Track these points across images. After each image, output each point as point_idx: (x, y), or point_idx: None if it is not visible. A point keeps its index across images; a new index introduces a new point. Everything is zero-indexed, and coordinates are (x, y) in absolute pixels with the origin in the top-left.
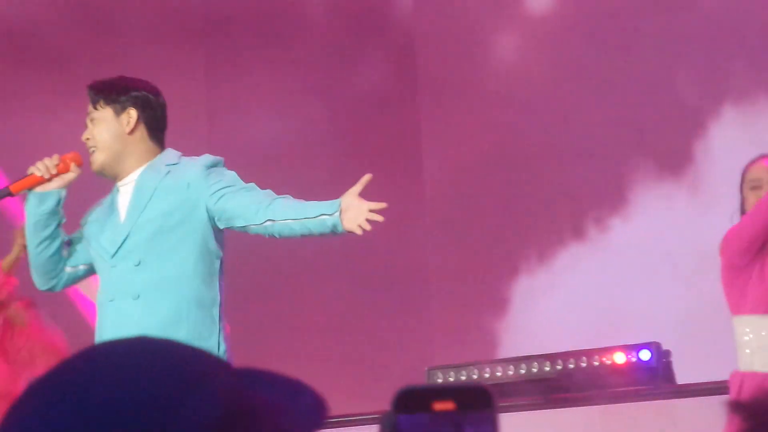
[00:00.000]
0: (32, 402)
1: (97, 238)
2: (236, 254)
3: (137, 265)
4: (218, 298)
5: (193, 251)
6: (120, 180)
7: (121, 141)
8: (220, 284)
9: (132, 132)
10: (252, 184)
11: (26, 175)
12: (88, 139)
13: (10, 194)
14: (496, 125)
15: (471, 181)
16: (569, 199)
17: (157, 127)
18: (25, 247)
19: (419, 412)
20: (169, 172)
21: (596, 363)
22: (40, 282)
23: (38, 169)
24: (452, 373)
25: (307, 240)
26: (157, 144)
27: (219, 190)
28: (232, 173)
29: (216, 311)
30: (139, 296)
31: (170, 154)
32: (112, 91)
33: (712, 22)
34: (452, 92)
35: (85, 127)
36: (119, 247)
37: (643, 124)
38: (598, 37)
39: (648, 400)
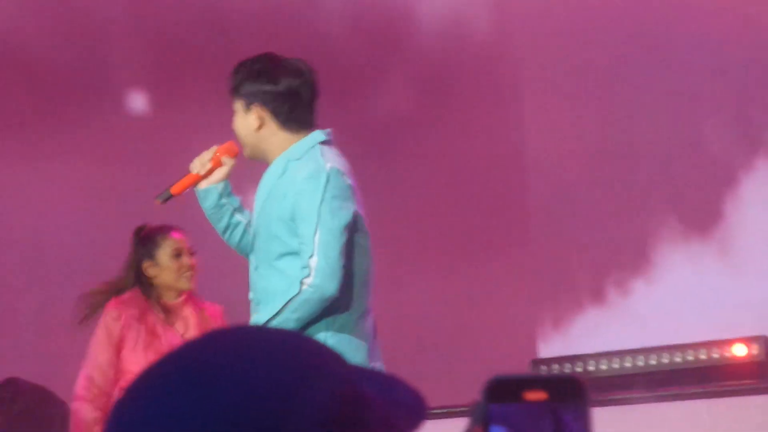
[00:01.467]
0: (152, 386)
1: None
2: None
3: (255, 269)
4: None
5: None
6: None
7: (255, 136)
8: None
9: (260, 128)
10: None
11: (186, 174)
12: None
13: (171, 196)
14: (509, 181)
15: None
16: (588, 260)
17: (288, 117)
18: None
19: (510, 401)
20: (285, 171)
21: (704, 357)
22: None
23: (195, 167)
24: (556, 367)
25: (407, 232)
26: (294, 131)
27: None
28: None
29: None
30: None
31: (301, 145)
32: (239, 85)
33: (743, 70)
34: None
35: None
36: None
37: (668, 177)
38: (617, 88)
39: (755, 395)
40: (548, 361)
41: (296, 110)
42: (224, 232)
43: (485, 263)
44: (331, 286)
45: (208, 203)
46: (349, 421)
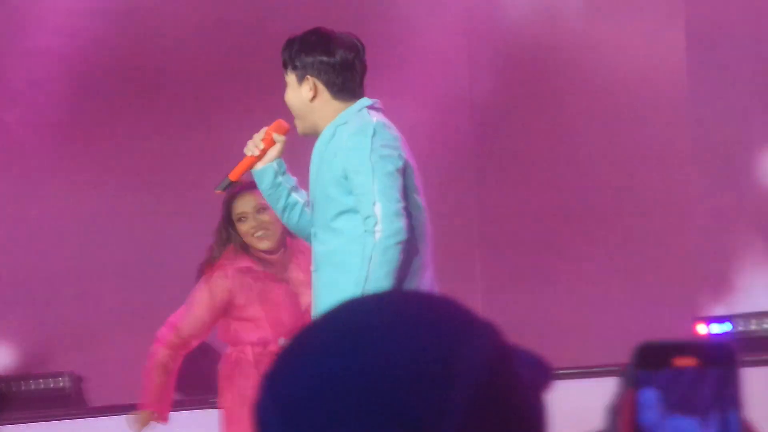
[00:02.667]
0: (312, 347)
1: None
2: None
3: (315, 236)
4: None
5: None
6: None
7: (308, 107)
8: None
9: (314, 99)
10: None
11: (242, 159)
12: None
13: (232, 182)
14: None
15: None
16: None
17: (342, 87)
18: None
19: (660, 367)
20: (333, 136)
21: None
22: (300, 236)
23: (249, 149)
24: (715, 326)
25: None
26: (345, 101)
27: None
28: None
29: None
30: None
31: (348, 111)
32: (293, 58)
33: None
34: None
35: None
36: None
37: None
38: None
39: None
40: (709, 319)
41: (349, 82)
42: (282, 212)
43: (643, 217)
44: (401, 227)
45: (264, 183)
46: (500, 372)
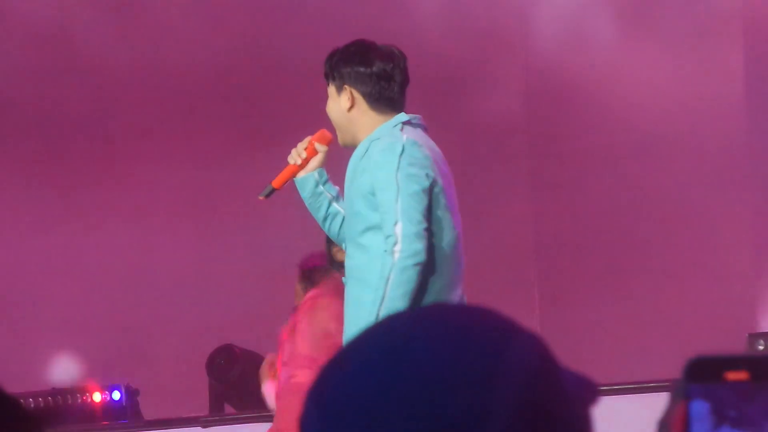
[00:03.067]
0: (355, 360)
1: None
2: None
3: (346, 250)
4: None
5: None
6: None
7: (346, 117)
8: None
9: (351, 109)
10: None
11: (285, 167)
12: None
13: (274, 189)
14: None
15: None
16: None
17: (379, 97)
18: None
19: (711, 381)
20: (366, 151)
21: None
22: (335, 239)
23: (292, 158)
24: None
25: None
26: (383, 113)
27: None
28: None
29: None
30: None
31: (384, 126)
32: (331, 69)
33: None
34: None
35: None
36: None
37: None
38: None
39: None
40: (763, 336)
41: (387, 92)
42: (324, 221)
43: (698, 234)
44: (420, 249)
45: (306, 192)
46: (547, 382)
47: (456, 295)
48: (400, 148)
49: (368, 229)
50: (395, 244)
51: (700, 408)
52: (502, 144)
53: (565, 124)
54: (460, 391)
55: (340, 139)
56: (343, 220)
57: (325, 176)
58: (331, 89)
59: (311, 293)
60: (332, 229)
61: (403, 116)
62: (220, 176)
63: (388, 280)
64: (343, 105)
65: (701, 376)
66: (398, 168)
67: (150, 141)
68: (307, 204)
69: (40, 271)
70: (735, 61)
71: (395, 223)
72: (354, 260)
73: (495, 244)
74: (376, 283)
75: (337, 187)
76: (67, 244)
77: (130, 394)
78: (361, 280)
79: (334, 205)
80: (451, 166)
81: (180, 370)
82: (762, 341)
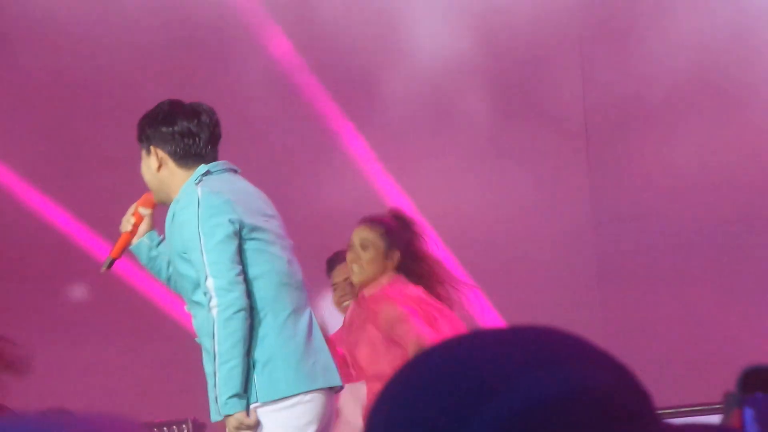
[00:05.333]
0: (391, 391)
1: None
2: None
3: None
4: None
5: None
6: None
7: (157, 178)
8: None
9: (159, 168)
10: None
11: (119, 237)
12: None
13: (114, 260)
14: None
15: None
16: None
17: (185, 155)
18: None
19: (765, 390)
20: (173, 216)
21: None
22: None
23: (123, 226)
24: None
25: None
26: (191, 169)
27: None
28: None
29: None
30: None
31: (185, 186)
32: (140, 131)
33: None
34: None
35: None
36: None
37: None
38: None
39: None
40: None
41: (193, 149)
42: (168, 282)
43: (748, 254)
44: (234, 298)
45: (142, 258)
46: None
47: (304, 320)
48: (196, 203)
49: (196, 286)
50: (211, 299)
51: (756, 416)
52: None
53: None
54: None
55: (157, 199)
56: None
57: (157, 239)
58: (143, 151)
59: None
60: (178, 288)
61: (202, 168)
62: None
63: (214, 336)
64: (152, 166)
65: (756, 385)
66: (198, 222)
67: None
68: (147, 269)
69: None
70: None
71: (206, 279)
72: (197, 319)
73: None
74: (209, 343)
75: None
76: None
77: (197, 428)
78: (209, 335)
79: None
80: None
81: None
82: None
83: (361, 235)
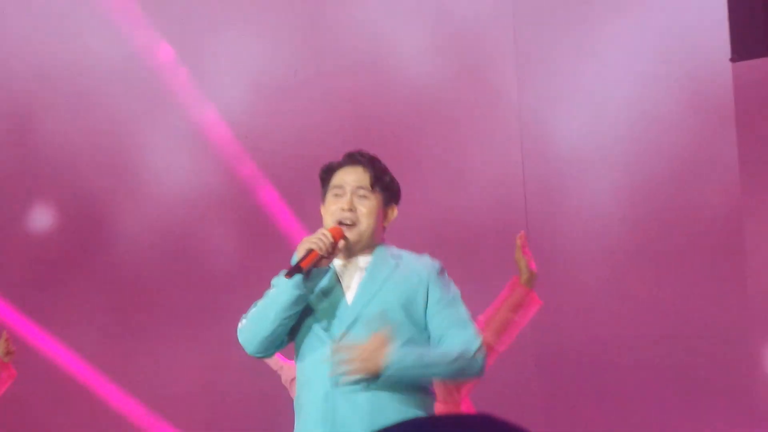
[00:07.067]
0: None
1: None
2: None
3: None
4: None
5: None
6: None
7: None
8: None
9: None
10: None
11: (309, 252)
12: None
13: (301, 271)
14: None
15: None
16: None
17: None
18: None
19: None
20: (397, 265)
21: None
22: (259, 348)
23: (318, 246)
24: None
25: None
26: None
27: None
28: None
29: None
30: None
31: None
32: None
33: None
34: None
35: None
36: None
37: None
38: None
39: None
40: None
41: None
42: (293, 315)
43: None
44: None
45: (312, 284)
46: None
47: None
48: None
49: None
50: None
51: None
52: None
53: None
54: None
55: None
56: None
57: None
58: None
59: None
60: (290, 324)
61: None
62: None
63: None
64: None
65: None
66: None
67: None
68: (299, 293)
69: None
70: None
71: None
72: None
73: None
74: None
75: None
76: None
77: None
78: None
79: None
80: None
81: None
82: None
83: None
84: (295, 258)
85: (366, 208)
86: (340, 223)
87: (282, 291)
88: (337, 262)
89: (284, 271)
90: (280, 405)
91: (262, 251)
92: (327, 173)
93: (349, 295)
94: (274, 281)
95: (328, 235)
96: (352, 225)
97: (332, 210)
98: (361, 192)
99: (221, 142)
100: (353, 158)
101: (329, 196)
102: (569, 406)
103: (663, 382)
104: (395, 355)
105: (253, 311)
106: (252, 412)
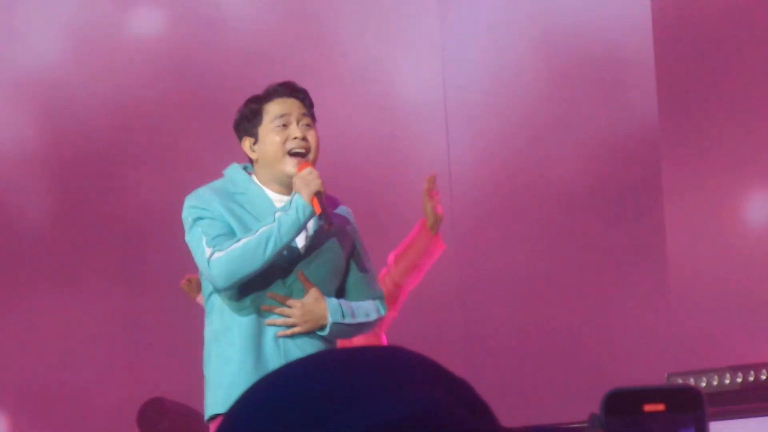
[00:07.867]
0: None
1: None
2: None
3: None
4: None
5: None
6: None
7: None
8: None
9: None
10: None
11: (318, 195)
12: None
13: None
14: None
15: None
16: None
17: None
18: None
19: (629, 413)
20: None
21: None
22: (241, 280)
23: (319, 186)
24: (692, 379)
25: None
26: None
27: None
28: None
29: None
30: None
31: None
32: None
33: None
34: None
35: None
36: None
37: None
38: None
39: None
40: (684, 375)
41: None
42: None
43: (619, 272)
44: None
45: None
46: None
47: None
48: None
49: None
50: None
51: None
52: None
53: None
54: None
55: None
56: None
57: None
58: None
59: None
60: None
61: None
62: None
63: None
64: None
65: (619, 408)
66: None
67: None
68: (299, 229)
69: None
70: None
71: None
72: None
73: None
74: None
75: None
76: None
77: None
78: None
79: None
80: None
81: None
82: (680, 380)
83: None
84: (301, 197)
85: (313, 137)
86: (294, 153)
87: (295, 227)
88: (276, 197)
89: (280, 208)
90: None
91: (77, 203)
92: (258, 103)
93: (299, 239)
94: (282, 217)
95: (314, 172)
96: (306, 153)
97: (279, 140)
98: (306, 120)
99: (35, 94)
100: (291, 87)
101: (271, 126)
102: (486, 336)
103: (581, 319)
104: (333, 318)
105: (244, 245)
106: None
